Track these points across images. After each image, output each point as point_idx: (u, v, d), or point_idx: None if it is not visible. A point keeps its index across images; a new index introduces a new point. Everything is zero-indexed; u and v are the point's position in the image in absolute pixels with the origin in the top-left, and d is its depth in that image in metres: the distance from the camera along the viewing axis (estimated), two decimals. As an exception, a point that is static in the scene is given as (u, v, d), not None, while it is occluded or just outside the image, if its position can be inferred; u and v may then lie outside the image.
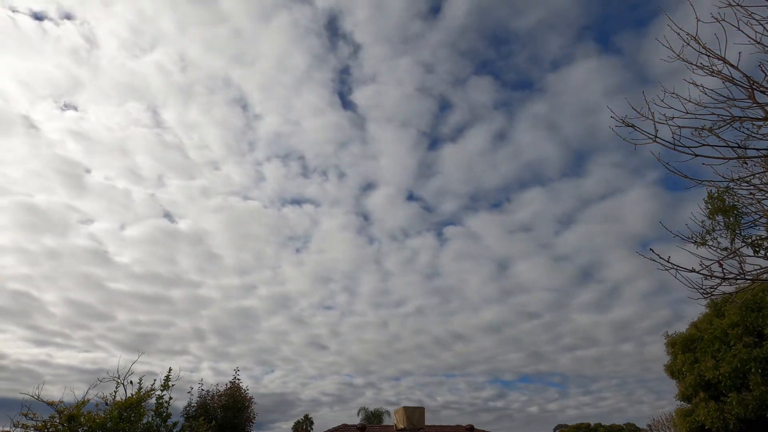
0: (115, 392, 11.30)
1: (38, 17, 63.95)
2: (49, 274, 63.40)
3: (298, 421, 48.22)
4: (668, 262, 5.04)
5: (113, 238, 68.04)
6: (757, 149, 4.99)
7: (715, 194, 5.55)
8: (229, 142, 74.09)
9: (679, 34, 5.12)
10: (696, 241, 5.41)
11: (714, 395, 18.32)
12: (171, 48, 67.99)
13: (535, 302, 72.04)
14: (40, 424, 9.77)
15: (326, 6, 66.69)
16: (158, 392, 11.79)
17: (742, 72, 4.80)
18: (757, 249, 5.24)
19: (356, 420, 41.12)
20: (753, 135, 5.02)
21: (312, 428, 47.85)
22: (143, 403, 11.22)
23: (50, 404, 10.10)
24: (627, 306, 67.66)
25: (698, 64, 5.04)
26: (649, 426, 29.31)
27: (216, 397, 19.05)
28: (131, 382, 11.54)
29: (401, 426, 21.19)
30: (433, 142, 77.32)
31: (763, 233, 5.32)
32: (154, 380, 11.90)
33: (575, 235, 71.99)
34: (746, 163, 5.16)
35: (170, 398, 12.03)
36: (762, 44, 4.71)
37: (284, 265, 76.31)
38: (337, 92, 73.71)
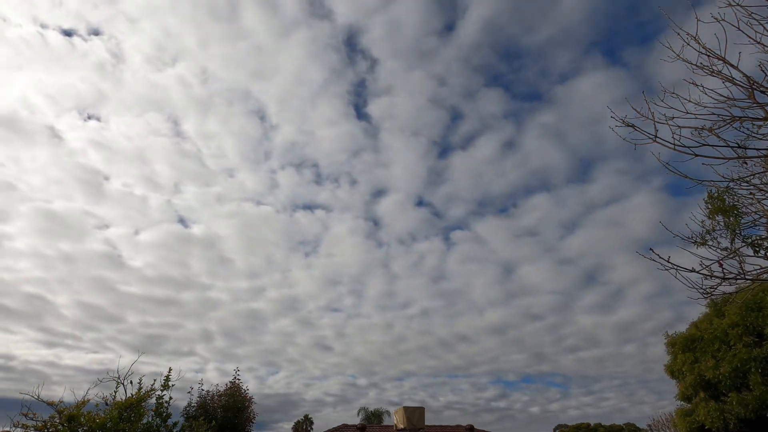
0: (115, 392, 11.30)
1: (67, 33, 66.18)
2: (64, 277, 65.05)
3: (298, 421, 48.27)
4: (668, 261, 5.04)
5: (127, 242, 70.20)
6: (757, 149, 4.99)
7: (715, 194, 5.54)
8: (246, 151, 76.66)
9: (678, 34, 5.12)
10: (696, 241, 5.41)
11: (714, 395, 18.32)
12: (193, 62, 71.17)
13: (540, 304, 72.87)
14: (40, 424, 9.76)
15: (345, 22, 69.37)
16: (158, 392, 11.79)
17: (742, 72, 4.80)
18: (757, 249, 5.23)
19: (357, 420, 41.15)
20: (753, 135, 5.02)
21: (312, 428, 47.92)
22: (143, 403, 11.21)
23: (50, 404, 10.09)
24: (630, 308, 68.34)
25: (698, 64, 5.04)
26: (649, 426, 29.31)
27: (216, 397, 19.05)
28: (131, 382, 11.54)
29: (401, 426, 21.19)
30: (444, 150, 79.04)
31: (763, 233, 5.32)
32: (154, 380, 11.90)
33: (580, 239, 73.03)
34: (746, 163, 5.16)
35: (170, 398, 12.03)
36: (762, 44, 4.71)
37: (294, 268, 77.88)
38: (352, 104, 76.37)
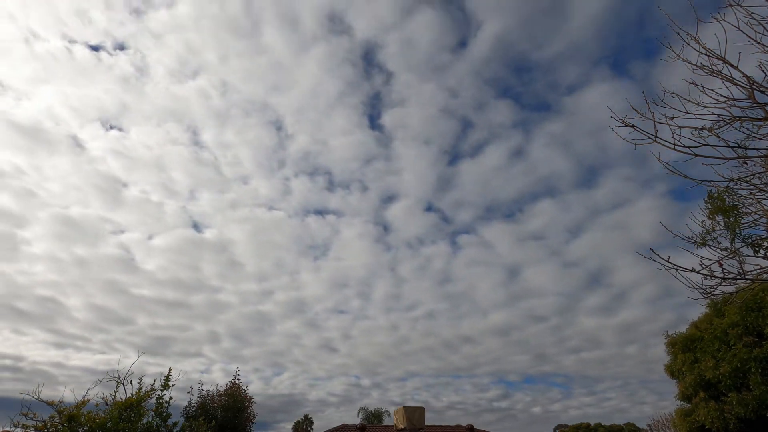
0: (115, 392, 11.30)
1: (94, 48, 68.10)
2: (77, 280, 66.15)
3: (298, 421, 48.29)
4: (668, 262, 5.04)
5: (141, 246, 71.19)
6: (757, 149, 4.99)
7: (715, 194, 5.54)
8: (261, 159, 78.15)
9: (679, 34, 5.13)
10: (696, 242, 5.41)
11: (714, 395, 18.31)
12: (213, 75, 73.38)
13: (543, 306, 73.23)
14: (40, 424, 9.75)
15: (363, 38, 71.46)
16: (158, 392, 11.79)
17: (742, 72, 4.80)
18: (757, 249, 5.24)
19: (357, 420, 41.14)
20: (753, 135, 5.02)
21: (312, 428, 47.93)
22: (143, 403, 11.21)
23: (50, 404, 10.08)
24: (633, 309, 68.74)
25: (698, 64, 5.04)
26: (649, 426, 29.32)
27: (216, 397, 19.05)
28: (131, 382, 11.54)
29: (401, 426, 21.19)
30: (453, 158, 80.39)
31: (763, 233, 5.33)
32: (154, 380, 11.91)
33: (585, 242, 73.72)
34: (746, 163, 5.16)
35: (170, 398, 12.02)
36: (762, 45, 4.71)
37: (302, 271, 78.90)
38: (366, 115, 78.50)
